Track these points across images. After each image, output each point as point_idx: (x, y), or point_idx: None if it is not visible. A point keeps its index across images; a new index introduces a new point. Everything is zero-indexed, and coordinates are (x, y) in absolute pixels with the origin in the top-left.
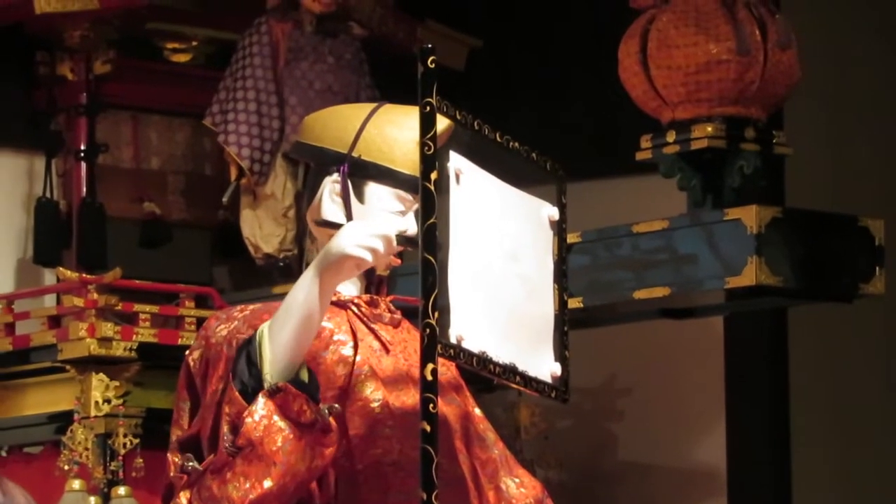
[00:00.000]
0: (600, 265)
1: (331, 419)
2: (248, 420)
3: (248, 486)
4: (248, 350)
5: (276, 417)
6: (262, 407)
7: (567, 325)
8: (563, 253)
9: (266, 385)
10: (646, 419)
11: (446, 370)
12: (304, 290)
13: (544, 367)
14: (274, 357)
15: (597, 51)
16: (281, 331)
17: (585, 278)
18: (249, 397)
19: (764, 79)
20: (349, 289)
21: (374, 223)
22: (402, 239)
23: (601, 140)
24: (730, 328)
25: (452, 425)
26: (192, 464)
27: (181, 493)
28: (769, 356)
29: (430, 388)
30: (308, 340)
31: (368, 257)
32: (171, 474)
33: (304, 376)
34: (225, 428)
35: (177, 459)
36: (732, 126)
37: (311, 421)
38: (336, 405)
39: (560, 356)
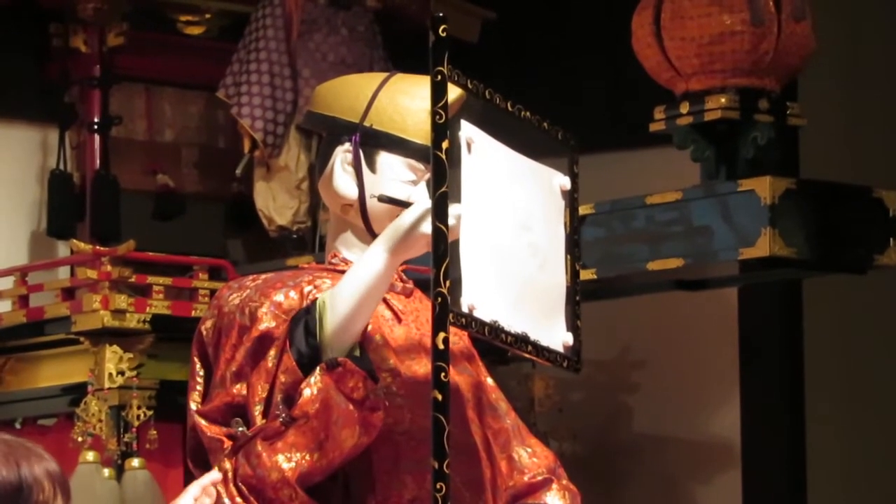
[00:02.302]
0: (614, 237)
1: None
2: (307, 392)
3: (298, 457)
4: (306, 319)
5: (332, 392)
6: (320, 380)
7: (579, 296)
8: (575, 223)
9: (324, 357)
10: (660, 391)
11: (458, 340)
12: (371, 266)
13: (556, 336)
14: (334, 329)
15: (610, 22)
16: (343, 304)
17: (599, 250)
18: (305, 368)
19: (778, 50)
20: (360, 258)
21: None
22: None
23: (615, 112)
24: (744, 300)
25: (464, 395)
26: (242, 429)
27: (225, 459)
28: (783, 328)
29: (441, 356)
30: (368, 317)
31: None
32: (209, 435)
33: (357, 352)
34: (278, 397)
35: (206, 423)
36: (746, 97)
37: (362, 398)
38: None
39: (572, 326)
